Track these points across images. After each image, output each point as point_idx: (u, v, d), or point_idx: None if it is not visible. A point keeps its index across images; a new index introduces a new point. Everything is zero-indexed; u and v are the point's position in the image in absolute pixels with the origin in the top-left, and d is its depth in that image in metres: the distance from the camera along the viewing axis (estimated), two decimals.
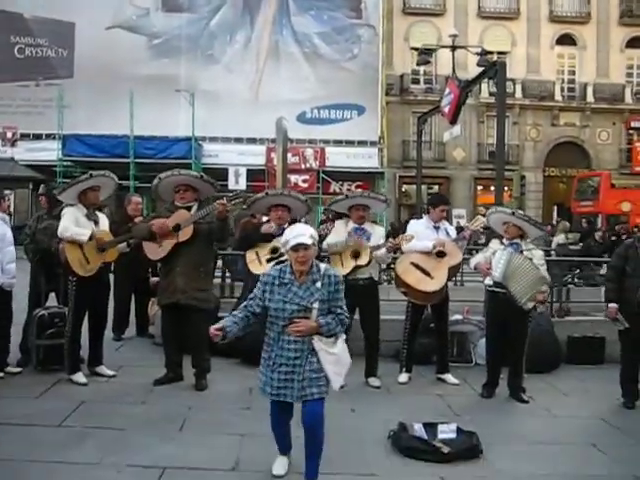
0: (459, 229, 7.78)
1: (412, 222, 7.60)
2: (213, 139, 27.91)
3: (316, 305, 4.17)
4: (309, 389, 4.23)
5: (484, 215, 7.20)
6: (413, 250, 6.96)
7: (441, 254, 6.90)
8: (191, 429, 5.40)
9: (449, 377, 7.23)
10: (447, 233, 7.17)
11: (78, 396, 6.11)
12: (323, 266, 4.33)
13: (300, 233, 4.19)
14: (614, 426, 5.91)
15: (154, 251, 6.68)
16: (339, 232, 7.04)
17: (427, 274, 6.87)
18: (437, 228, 7.20)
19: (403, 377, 7.23)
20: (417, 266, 6.93)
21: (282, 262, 6.44)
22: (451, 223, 8.39)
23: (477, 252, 8.10)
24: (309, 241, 4.14)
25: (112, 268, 7.64)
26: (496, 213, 6.86)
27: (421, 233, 7.01)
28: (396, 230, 15.68)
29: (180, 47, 28.62)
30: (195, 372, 6.68)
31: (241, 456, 4.86)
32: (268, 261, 6.63)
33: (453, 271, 7.19)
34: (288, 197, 7.01)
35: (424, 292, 6.88)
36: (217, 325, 4.35)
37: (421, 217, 7.85)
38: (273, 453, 4.79)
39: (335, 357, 4.26)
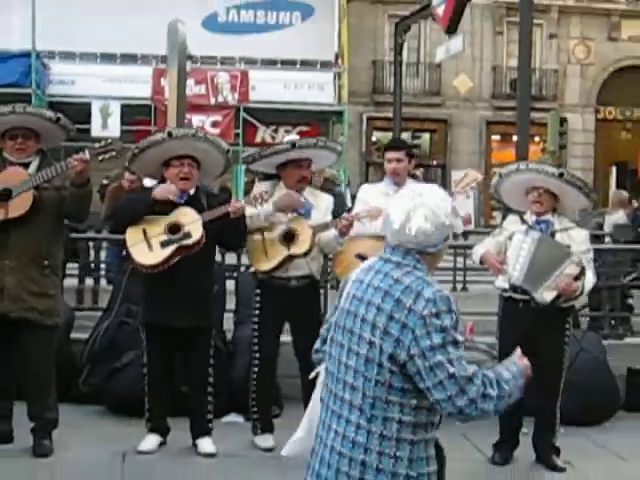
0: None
1: (364, 187, 7.73)
2: (66, 55, 27.54)
3: None
4: None
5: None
6: (362, 234, 7.02)
7: None
8: None
9: None
10: None
11: None
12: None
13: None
14: None
15: None
16: (265, 213, 7.01)
17: None
18: None
19: None
20: (364, 259, 6.98)
21: (186, 247, 6.49)
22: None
23: (484, 236, 8.22)
24: None
25: None
26: (527, 171, 6.88)
27: (377, 204, 7.05)
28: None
29: None
30: (33, 428, 6.64)
31: None
32: (163, 245, 6.62)
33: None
34: (203, 142, 6.99)
35: None
36: None
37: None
38: None
39: None
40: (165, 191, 6.59)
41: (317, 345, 3.96)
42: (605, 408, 8.12)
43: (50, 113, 7.04)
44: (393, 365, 3.24)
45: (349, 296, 3.51)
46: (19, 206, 6.44)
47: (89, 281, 9.80)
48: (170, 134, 6.84)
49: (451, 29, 13.41)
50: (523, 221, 6.79)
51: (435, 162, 31.02)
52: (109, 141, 6.84)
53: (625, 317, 10.09)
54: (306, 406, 6.55)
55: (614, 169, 31.61)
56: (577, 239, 6.68)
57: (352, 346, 3.36)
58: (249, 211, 6.78)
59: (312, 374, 3.95)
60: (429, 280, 3.38)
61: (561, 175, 6.65)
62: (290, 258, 6.82)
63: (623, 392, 8.34)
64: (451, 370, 3.16)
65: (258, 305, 7.06)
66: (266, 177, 7.61)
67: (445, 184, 21.87)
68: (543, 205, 6.66)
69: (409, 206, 3.42)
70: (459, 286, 11.60)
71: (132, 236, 6.75)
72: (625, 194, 16.37)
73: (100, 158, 6.51)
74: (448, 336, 3.21)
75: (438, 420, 3.35)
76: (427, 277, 3.39)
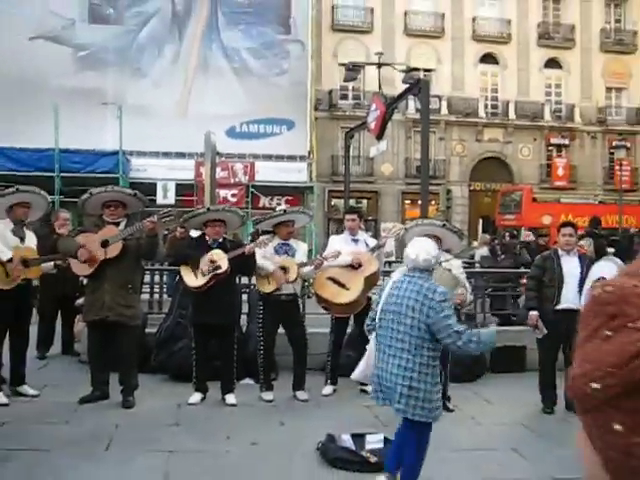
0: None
1: (332, 237, 7.81)
2: (141, 153, 27.48)
3: None
4: None
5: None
6: (332, 265, 7.06)
7: (357, 265, 7.06)
8: (118, 448, 5.32)
9: (370, 388, 7.33)
10: (366, 244, 7.37)
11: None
12: None
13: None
14: (534, 431, 6.13)
15: (81, 267, 6.58)
16: (266, 253, 7.01)
17: (343, 286, 7.01)
18: (356, 241, 7.38)
19: (327, 389, 7.32)
20: (333, 280, 7.07)
21: (217, 275, 6.49)
22: (378, 236, 8.57)
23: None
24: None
25: (38, 284, 7.47)
26: (421, 226, 6.82)
27: (339, 248, 7.14)
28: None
29: (107, 60, 28.14)
30: (122, 389, 6.59)
31: (169, 473, 4.81)
32: (204, 274, 6.62)
33: (372, 280, 7.26)
34: (228, 212, 7.12)
35: (341, 304, 7.03)
36: None
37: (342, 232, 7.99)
38: (202, 469, 4.77)
39: None
40: (205, 262, 6.63)
41: (368, 322, 4.74)
42: (478, 370, 8.15)
43: (130, 190, 7.07)
44: (421, 325, 4.20)
45: (392, 294, 4.38)
46: (113, 250, 6.43)
47: (156, 296, 9.73)
48: (208, 209, 7.02)
49: (379, 136, 13.49)
50: None
51: (370, 218, 31.11)
52: (170, 210, 6.90)
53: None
54: (296, 373, 6.62)
55: (481, 221, 31.79)
56: (455, 265, 6.70)
57: (400, 319, 4.26)
58: (261, 264, 6.85)
59: (372, 337, 4.63)
60: (436, 284, 4.43)
61: (443, 225, 6.78)
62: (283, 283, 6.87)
63: (488, 361, 8.36)
64: (454, 328, 4.17)
65: (261, 312, 7.07)
66: (264, 232, 7.66)
67: (377, 231, 21.87)
68: None
69: (418, 249, 4.42)
70: None
71: (184, 268, 6.76)
72: (487, 236, 16.46)
73: (163, 220, 6.54)
74: (449, 311, 4.24)
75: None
76: (433, 282, 4.41)
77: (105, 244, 6.42)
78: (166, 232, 10.22)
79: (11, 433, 5.55)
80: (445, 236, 6.57)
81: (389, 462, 4.58)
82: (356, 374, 4.88)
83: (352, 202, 25.80)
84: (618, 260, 6.75)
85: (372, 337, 4.60)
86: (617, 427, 0.51)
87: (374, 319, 4.56)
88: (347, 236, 7.45)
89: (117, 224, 6.62)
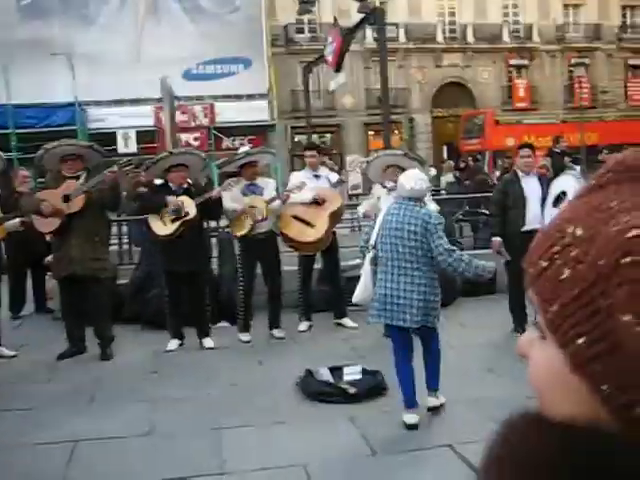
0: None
1: (293, 174, 7.78)
2: (97, 103, 26.86)
3: None
4: None
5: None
6: (294, 202, 7.06)
7: (321, 202, 7.06)
8: (101, 400, 5.38)
9: (347, 321, 7.46)
10: (328, 180, 7.34)
11: None
12: None
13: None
14: (508, 352, 6.29)
15: (45, 223, 6.50)
16: (234, 195, 6.97)
17: (308, 224, 7.01)
18: (317, 177, 7.36)
19: (303, 326, 7.43)
20: (298, 218, 7.06)
21: (187, 221, 6.46)
22: (343, 169, 8.58)
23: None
24: None
25: (2, 245, 7.38)
26: (382, 157, 6.96)
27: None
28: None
29: (52, 7, 27.13)
30: (99, 342, 6.62)
31: (155, 421, 4.89)
32: (172, 221, 6.59)
33: (336, 216, 7.32)
34: (190, 155, 7.04)
35: (307, 242, 7.05)
36: None
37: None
38: (185, 415, 4.85)
39: None
40: (174, 203, 6.56)
41: (362, 244, 5.09)
42: (450, 295, 8.27)
43: (84, 143, 6.98)
44: (424, 246, 4.58)
45: (390, 221, 4.68)
46: (76, 204, 6.36)
47: (125, 247, 9.68)
48: (171, 152, 6.88)
49: (337, 69, 13.35)
50: (384, 186, 6.83)
51: (335, 151, 30.97)
52: (130, 159, 6.81)
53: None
54: (272, 312, 6.68)
55: (445, 147, 31.88)
56: (431, 208, 6.76)
57: (405, 242, 4.60)
58: (227, 207, 6.81)
59: (367, 257, 4.94)
60: (430, 209, 5.05)
61: (405, 154, 6.87)
62: (256, 222, 6.84)
63: (460, 285, 8.50)
64: (445, 246, 4.57)
65: (240, 253, 7.09)
66: (231, 175, 7.59)
67: (342, 165, 21.81)
68: (395, 175, 6.71)
69: (411, 179, 4.73)
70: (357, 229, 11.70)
71: (152, 216, 6.72)
72: (451, 163, 16.55)
73: (124, 169, 6.48)
74: (442, 233, 4.67)
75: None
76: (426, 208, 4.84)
77: (67, 199, 6.34)
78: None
79: None
80: (408, 165, 6.57)
81: (409, 398, 4.70)
82: (357, 297, 5.07)
83: (315, 137, 25.64)
84: (577, 173, 6.85)
85: (367, 259, 4.95)
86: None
87: (368, 241, 4.95)
88: (308, 172, 7.43)
89: (77, 178, 6.53)
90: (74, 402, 5.32)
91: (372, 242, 4.85)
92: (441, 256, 4.54)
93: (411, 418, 4.64)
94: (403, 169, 6.33)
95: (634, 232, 0.53)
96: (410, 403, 4.69)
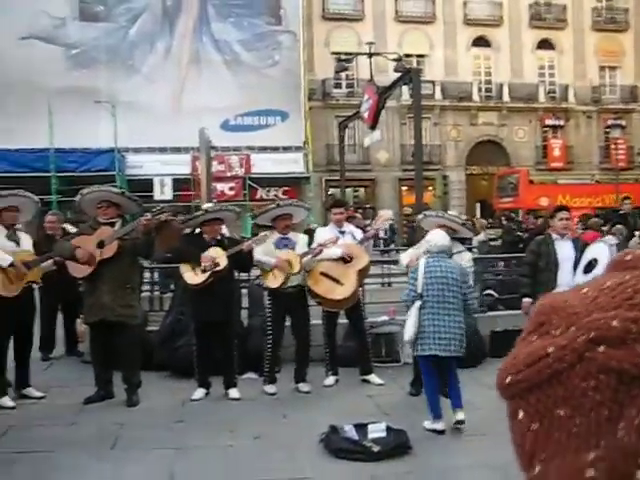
0: (363, 230, 8.01)
1: (318, 230, 7.82)
2: (137, 150, 27.48)
3: None
4: None
5: (412, 215, 7.58)
6: (323, 258, 7.11)
7: (348, 259, 7.08)
8: (124, 446, 5.38)
9: (373, 377, 7.41)
10: (353, 237, 7.38)
11: (6, 421, 6.01)
12: None
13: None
14: None
15: (78, 268, 6.62)
16: (266, 248, 7.06)
17: (336, 281, 7.04)
18: (343, 232, 7.39)
19: (329, 380, 7.38)
20: (326, 275, 7.09)
21: (217, 272, 6.54)
22: (373, 224, 8.65)
23: (399, 252, 8.31)
24: None
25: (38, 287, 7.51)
26: (430, 217, 7.16)
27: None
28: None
29: (99, 57, 28.07)
30: (126, 388, 6.65)
31: (175, 470, 4.88)
32: (203, 271, 6.67)
33: (363, 273, 7.36)
34: (225, 211, 7.22)
35: (335, 300, 7.07)
36: None
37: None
38: (207, 465, 4.83)
39: None
40: (207, 258, 6.65)
41: (406, 295, 5.80)
42: (477, 356, 8.19)
43: (117, 190, 7.18)
44: (461, 290, 5.65)
45: (433, 271, 5.62)
46: (109, 251, 6.47)
47: (156, 293, 9.77)
48: (207, 211, 7.04)
49: (373, 126, 13.53)
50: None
51: (368, 205, 31.14)
52: (163, 207, 6.95)
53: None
54: (298, 365, 6.67)
55: (478, 205, 31.83)
56: (465, 257, 6.93)
57: (449, 288, 5.60)
58: (261, 259, 6.94)
59: (415, 306, 5.65)
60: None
61: (464, 224, 7.17)
62: (288, 277, 6.90)
63: (488, 346, 8.41)
64: (474, 294, 5.90)
65: (269, 305, 7.13)
66: (264, 227, 7.68)
67: (374, 219, 21.83)
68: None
69: (440, 238, 5.81)
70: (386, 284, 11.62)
71: (183, 266, 6.81)
72: (484, 221, 16.52)
73: (157, 217, 6.59)
74: (471, 282, 6.00)
75: None
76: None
77: (101, 245, 6.46)
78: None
79: (18, 436, 5.62)
80: (462, 232, 7.12)
81: (456, 400, 5.78)
82: (408, 335, 5.73)
83: (349, 191, 25.86)
84: (611, 239, 6.80)
85: (415, 305, 5.66)
86: (520, 415, 0.61)
87: (415, 292, 5.69)
88: (334, 229, 7.48)
89: (112, 224, 6.66)
90: (96, 447, 5.33)
91: (419, 291, 5.69)
92: (471, 300, 5.80)
93: (440, 425, 5.65)
94: (455, 231, 6.82)
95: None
96: (439, 413, 5.70)
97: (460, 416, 5.75)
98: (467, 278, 5.70)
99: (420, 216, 7.47)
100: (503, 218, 16.14)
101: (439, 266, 5.66)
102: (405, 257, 7.14)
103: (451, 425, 5.70)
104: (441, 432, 5.59)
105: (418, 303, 5.67)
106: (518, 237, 14.30)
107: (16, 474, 4.78)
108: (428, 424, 5.71)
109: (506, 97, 33.16)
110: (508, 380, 0.61)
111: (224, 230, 7.18)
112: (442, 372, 5.83)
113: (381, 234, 18.09)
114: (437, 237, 5.82)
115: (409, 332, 5.74)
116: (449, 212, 7.66)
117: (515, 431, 0.62)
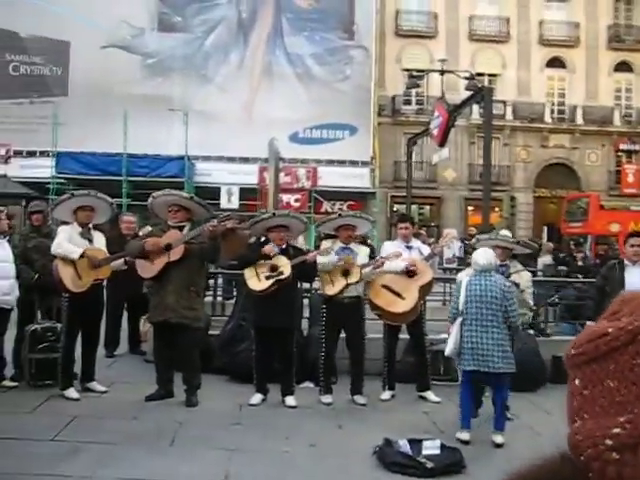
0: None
1: (386, 243, 7.86)
2: (206, 158, 28.06)
3: None
4: None
5: (472, 236, 7.55)
6: (385, 271, 7.12)
7: (412, 274, 7.08)
8: (181, 444, 5.51)
9: (430, 395, 7.37)
10: (420, 252, 7.38)
11: (70, 411, 6.22)
12: None
13: None
14: None
15: (146, 269, 6.82)
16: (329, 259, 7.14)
17: (398, 295, 7.04)
18: (410, 247, 7.40)
19: (386, 395, 7.38)
20: (388, 288, 7.10)
21: (280, 280, 6.65)
22: (437, 242, 8.67)
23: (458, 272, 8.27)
24: None
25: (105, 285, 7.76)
26: (482, 241, 7.11)
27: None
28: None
29: (174, 67, 28.85)
30: (186, 389, 6.80)
31: (230, 471, 4.97)
32: (267, 278, 6.79)
33: (426, 289, 7.35)
34: (293, 218, 7.28)
35: (396, 313, 7.07)
36: None
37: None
38: (261, 467, 4.90)
39: None
40: (270, 250, 6.77)
41: (452, 312, 6.06)
42: (538, 380, 8.07)
43: (186, 194, 7.37)
44: (503, 308, 5.77)
45: (474, 289, 5.83)
46: (176, 254, 6.64)
47: (219, 299, 9.95)
48: (274, 214, 7.16)
49: (442, 144, 13.49)
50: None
51: (433, 224, 30.94)
52: (229, 214, 7.11)
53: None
54: (354, 378, 6.71)
55: (545, 229, 31.24)
56: (524, 277, 6.85)
57: (489, 305, 5.76)
58: (323, 260, 6.96)
59: (457, 322, 5.93)
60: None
61: (518, 242, 7.22)
62: (347, 285, 6.95)
63: (549, 371, 8.27)
64: (517, 311, 5.87)
65: (324, 315, 7.18)
66: (327, 236, 7.77)
67: (439, 238, 21.69)
68: (499, 256, 6.71)
69: (483, 257, 5.94)
70: (446, 302, 11.56)
71: (248, 272, 6.93)
72: (551, 245, 16.23)
73: (223, 224, 6.75)
74: (514, 300, 5.88)
75: None
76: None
77: (168, 247, 6.64)
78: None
79: (81, 427, 5.82)
80: (517, 249, 7.09)
81: (497, 422, 5.92)
82: (448, 350, 6.00)
83: (414, 208, 25.73)
84: None
85: (457, 322, 5.90)
86: (577, 382, 0.74)
87: (456, 309, 5.94)
88: (400, 243, 7.50)
89: (181, 228, 6.84)
90: (155, 442, 5.48)
91: (461, 308, 5.89)
92: (514, 318, 5.83)
93: (465, 436, 5.85)
94: (511, 250, 6.96)
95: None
96: (467, 425, 5.91)
97: (499, 440, 5.84)
98: (511, 296, 5.82)
99: (474, 240, 7.58)
100: (571, 243, 15.81)
101: (479, 284, 5.85)
102: (462, 276, 7.14)
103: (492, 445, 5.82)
104: (466, 442, 5.76)
105: (459, 320, 5.92)
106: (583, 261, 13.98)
107: (79, 462, 4.95)
108: (457, 433, 5.91)
109: (579, 120, 32.50)
110: (572, 352, 0.72)
111: (300, 240, 7.31)
112: (493, 389, 6.10)
113: (447, 254, 17.97)
114: (479, 256, 5.99)
115: (449, 347, 6.01)
116: (501, 232, 7.55)
117: (570, 392, 0.76)
